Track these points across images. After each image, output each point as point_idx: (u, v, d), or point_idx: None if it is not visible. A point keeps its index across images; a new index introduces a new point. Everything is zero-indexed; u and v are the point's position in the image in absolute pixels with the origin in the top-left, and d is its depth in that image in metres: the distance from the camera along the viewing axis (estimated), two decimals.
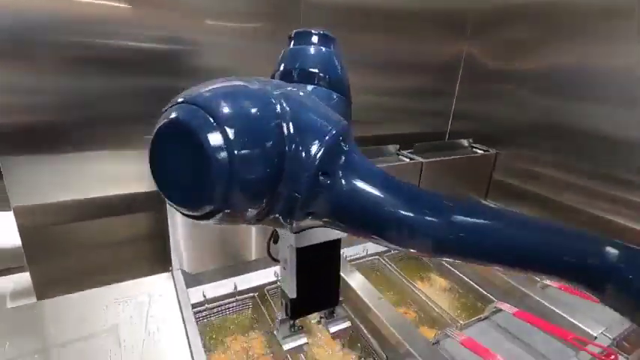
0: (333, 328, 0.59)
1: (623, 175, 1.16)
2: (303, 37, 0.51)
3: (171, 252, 0.99)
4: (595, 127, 1.21)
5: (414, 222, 0.38)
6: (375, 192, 0.39)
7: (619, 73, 1.15)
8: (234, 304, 1.06)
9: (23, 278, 1.05)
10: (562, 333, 0.87)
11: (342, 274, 1.05)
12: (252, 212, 0.37)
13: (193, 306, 0.91)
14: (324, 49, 0.50)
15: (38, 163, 0.88)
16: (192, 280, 1.01)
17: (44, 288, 0.99)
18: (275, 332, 0.58)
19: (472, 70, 1.58)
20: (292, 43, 0.51)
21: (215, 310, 1.03)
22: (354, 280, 1.03)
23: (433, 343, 0.88)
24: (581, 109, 1.24)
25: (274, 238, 0.55)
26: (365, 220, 0.39)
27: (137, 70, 0.93)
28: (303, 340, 0.58)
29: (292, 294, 0.52)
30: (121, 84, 0.92)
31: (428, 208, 0.39)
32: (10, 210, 0.93)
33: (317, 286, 0.54)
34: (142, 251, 1.11)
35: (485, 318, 1.02)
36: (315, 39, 0.50)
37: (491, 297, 1.09)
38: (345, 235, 0.48)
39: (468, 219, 0.38)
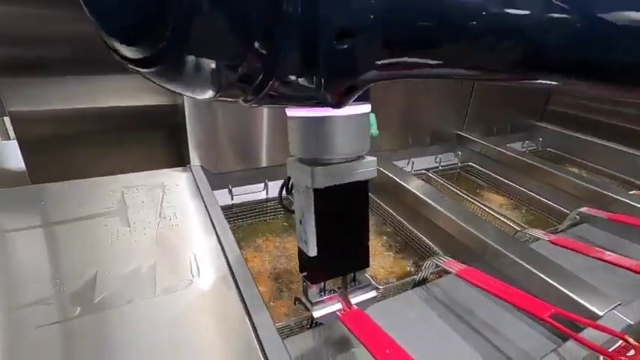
0: (357, 298, 0.49)
1: None
2: None
3: (190, 146, 0.83)
4: None
5: None
6: None
7: None
8: (263, 208, 0.90)
9: None
10: (535, 306, 0.49)
11: (395, 176, 0.90)
12: (229, 58, 0.21)
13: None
14: None
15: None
16: (215, 179, 0.85)
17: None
18: (302, 297, 0.48)
19: None
20: None
21: (242, 213, 0.88)
22: (411, 184, 0.86)
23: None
24: None
25: (288, 186, 0.49)
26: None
27: None
28: (336, 307, 0.48)
29: (312, 251, 0.43)
30: None
31: None
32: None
33: (342, 242, 0.45)
34: (153, 154, 0.96)
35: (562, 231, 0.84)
36: None
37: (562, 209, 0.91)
38: (375, 173, 0.41)
39: None
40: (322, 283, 0.47)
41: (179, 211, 0.66)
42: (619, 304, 0.51)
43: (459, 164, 1.18)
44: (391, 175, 0.90)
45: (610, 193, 0.87)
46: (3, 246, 0.54)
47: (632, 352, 0.40)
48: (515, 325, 0.56)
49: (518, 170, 1.07)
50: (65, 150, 0.83)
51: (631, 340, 0.40)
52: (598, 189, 0.89)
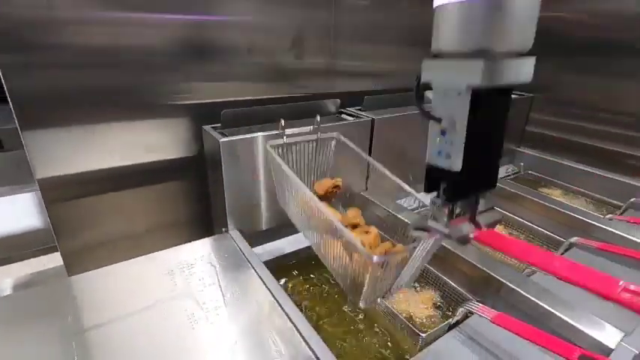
0: (485, 219, 0.44)
1: None
2: None
3: (227, 212, 0.89)
4: None
5: None
6: None
7: None
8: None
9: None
10: (562, 348, 0.57)
11: (404, 219, 1.01)
12: None
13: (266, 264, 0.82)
14: None
15: (61, 136, 0.80)
16: (252, 240, 0.92)
17: (75, 264, 0.89)
18: (430, 222, 0.44)
19: None
20: None
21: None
22: None
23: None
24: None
25: (417, 91, 0.41)
26: None
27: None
28: (468, 228, 0.44)
29: (456, 164, 0.38)
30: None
31: None
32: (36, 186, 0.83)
33: (484, 156, 0.41)
34: (178, 218, 1.03)
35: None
36: None
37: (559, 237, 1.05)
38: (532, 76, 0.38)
39: None
40: (451, 207, 0.43)
41: (238, 286, 0.73)
42: (625, 335, 0.63)
43: None
44: (403, 218, 1.00)
45: (591, 221, 1.02)
46: (87, 346, 0.59)
47: None
48: (541, 358, 0.67)
49: (508, 199, 1.21)
50: (91, 209, 0.89)
51: None
52: (581, 217, 1.04)
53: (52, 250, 1.32)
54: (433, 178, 0.42)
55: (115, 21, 0.78)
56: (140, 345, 0.59)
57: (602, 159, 1.36)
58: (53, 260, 1.24)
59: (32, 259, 1.27)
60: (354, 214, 0.80)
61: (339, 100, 1.10)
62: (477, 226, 0.45)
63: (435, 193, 0.43)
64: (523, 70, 0.37)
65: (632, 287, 0.43)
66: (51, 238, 0.91)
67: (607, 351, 0.61)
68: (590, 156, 1.39)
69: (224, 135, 0.86)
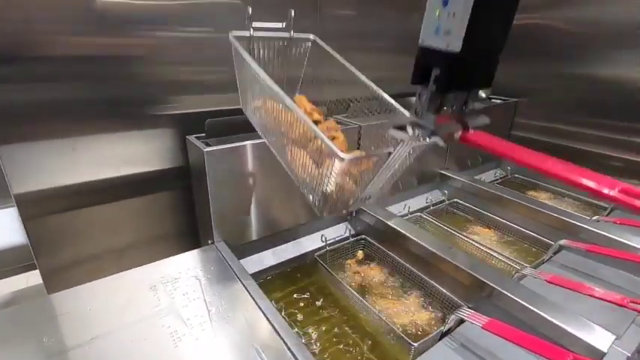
0: (473, 122, 0.41)
1: None
2: None
3: (213, 224, 0.87)
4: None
5: None
6: None
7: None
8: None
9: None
10: (555, 353, 0.56)
11: (397, 227, 0.99)
12: None
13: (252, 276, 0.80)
14: None
15: (38, 151, 0.77)
16: (238, 251, 0.90)
17: (55, 281, 0.86)
18: (411, 127, 0.40)
19: None
20: None
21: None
22: (415, 234, 0.95)
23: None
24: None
25: None
26: None
27: None
28: (455, 127, 0.40)
29: (455, 44, 0.34)
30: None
31: None
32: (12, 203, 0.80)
33: (488, 39, 0.36)
34: (163, 231, 1.00)
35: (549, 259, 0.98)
36: None
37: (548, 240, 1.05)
38: None
39: None
40: (440, 100, 0.39)
41: (224, 300, 0.71)
42: (616, 339, 0.63)
43: (447, 201, 1.31)
44: (394, 226, 0.99)
45: (579, 223, 1.02)
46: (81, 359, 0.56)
47: None
48: None
49: (497, 203, 1.21)
50: (71, 224, 0.86)
51: None
52: (568, 219, 1.05)
53: (30, 267, 1.27)
54: (424, 65, 0.37)
55: (96, 33, 0.76)
56: None
57: (586, 161, 1.38)
58: (32, 278, 1.20)
59: (10, 278, 1.22)
60: (329, 125, 0.73)
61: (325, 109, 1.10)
62: (465, 126, 0.41)
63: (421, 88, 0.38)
64: None
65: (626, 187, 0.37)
66: (29, 256, 0.88)
67: (599, 354, 0.61)
68: (574, 158, 1.40)
69: (208, 145, 0.84)
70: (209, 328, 0.64)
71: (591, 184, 0.37)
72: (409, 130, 0.41)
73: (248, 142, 0.85)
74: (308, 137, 0.60)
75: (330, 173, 0.55)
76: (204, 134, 0.91)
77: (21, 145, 0.75)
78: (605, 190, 0.37)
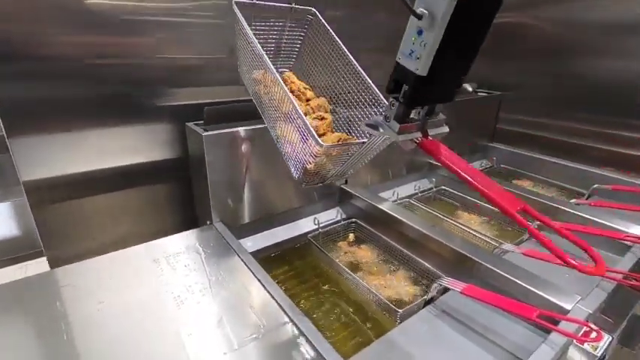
0: (433, 131, 0.48)
1: None
2: None
3: (211, 205, 0.93)
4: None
5: None
6: None
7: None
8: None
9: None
10: (524, 310, 0.63)
11: (387, 210, 1.05)
12: None
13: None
14: None
15: (45, 142, 0.82)
16: (235, 232, 0.95)
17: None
18: (381, 127, 0.47)
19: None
20: None
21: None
22: (403, 215, 1.01)
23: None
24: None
25: None
26: None
27: None
28: (416, 135, 0.47)
29: (423, 69, 0.39)
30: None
31: None
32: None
33: (451, 66, 0.41)
34: (164, 220, 1.06)
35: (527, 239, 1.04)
36: None
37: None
38: None
39: None
40: (405, 111, 0.44)
41: (223, 270, 0.76)
42: (580, 299, 0.69)
43: (434, 188, 1.37)
44: (384, 209, 1.05)
45: (557, 205, 1.09)
46: (87, 326, 0.61)
47: (594, 335, 0.57)
48: (509, 325, 0.72)
49: None
50: (77, 212, 0.91)
51: (593, 326, 0.57)
52: (547, 202, 1.11)
53: (37, 255, 1.32)
54: (397, 79, 0.42)
55: (97, 32, 0.82)
56: (127, 324, 0.61)
57: (567, 151, 1.45)
58: (39, 266, 1.25)
59: (17, 265, 1.26)
60: (320, 102, 0.80)
61: None
62: (425, 134, 0.47)
63: (395, 95, 0.44)
64: None
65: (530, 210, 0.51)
66: (37, 243, 0.92)
67: (565, 312, 0.67)
68: (556, 149, 1.48)
69: (207, 131, 0.90)
70: (209, 294, 0.69)
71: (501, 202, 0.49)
72: (380, 128, 0.47)
73: (245, 128, 0.90)
74: (296, 114, 0.66)
75: (311, 154, 0.62)
76: (202, 122, 0.96)
77: (30, 138, 0.80)
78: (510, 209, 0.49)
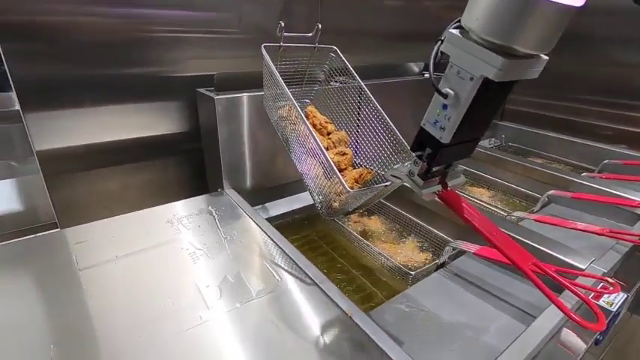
0: (452, 182, 0.54)
1: None
2: None
3: (223, 172, 0.92)
4: None
5: None
6: None
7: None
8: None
9: None
10: (538, 267, 0.58)
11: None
12: None
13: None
14: None
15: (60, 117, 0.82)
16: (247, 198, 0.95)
17: None
18: (407, 182, 0.51)
19: None
20: None
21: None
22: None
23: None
24: None
25: (435, 61, 0.42)
26: None
27: None
28: (436, 187, 0.52)
29: (446, 138, 0.43)
30: None
31: None
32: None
33: (471, 134, 0.46)
34: (174, 192, 1.06)
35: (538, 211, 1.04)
36: None
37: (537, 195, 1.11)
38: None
39: None
40: (428, 169, 0.48)
41: (236, 230, 0.76)
42: (594, 259, 0.69)
43: None
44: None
45: (568, 177, 1.08)
46: (104, 276, 0.62)
47: (611, 288, 0.57)
48: (522, 287, 0.73)
49: (492, 164, 1.27)
50: (89, 183, 0.91)
51: (610, 280, 0.57)
52: (558, 174, 1.11)
53: (52, 226, 1.32)
54: (421, 141, 0.47)
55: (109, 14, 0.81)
56: (144, 278, 0.62)
57: (576, 130, 1.45)
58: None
59: (32, 235, 1.27)
60: (340, 136, 0.83)
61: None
62: (444, 187, 0.52)
63: (418, 153, 0.48)
64: (535, 69, 0.39)
65: (541, 265, 0.54)
66: (50, 215, 0.93)
67: (579, 270, 0.67)
68: (565, 128, 1.47)
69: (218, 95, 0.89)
70: (225, 251, 0.70)
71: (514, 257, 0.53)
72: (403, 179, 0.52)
73: (256, 92, 0.90)
74: (320, 152, 0.68)
75: (336, 192, 0.66)
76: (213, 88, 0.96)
77: (44, 114, 0.80)
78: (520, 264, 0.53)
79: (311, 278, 0.62)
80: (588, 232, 0.76)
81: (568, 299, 0.60)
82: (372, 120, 0.79)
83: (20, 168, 1.18)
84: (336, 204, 0.67)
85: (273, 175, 1.02)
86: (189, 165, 1.05)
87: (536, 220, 0.86)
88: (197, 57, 0.97)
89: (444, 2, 1.42)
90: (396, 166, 0.54)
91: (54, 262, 0.65)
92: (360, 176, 0.74)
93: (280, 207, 1.04)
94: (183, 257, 0.67)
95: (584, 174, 1.15)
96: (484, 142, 1.58)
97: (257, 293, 0.59)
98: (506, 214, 1.00)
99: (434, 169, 0.49)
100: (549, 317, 0.58)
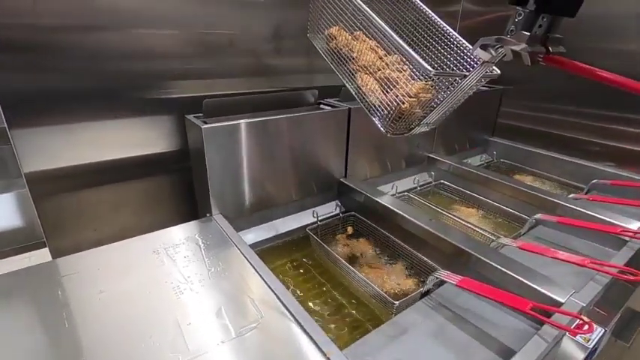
0: (554, 49, 0.51)
1: None
2: None
3: (211, 198, 0.93)
4: None
5: None
6: None
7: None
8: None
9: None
10: (517, 302, 0.64)
11: (386, 204, 1.06)
12: None
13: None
14: None
15: (47, 134, 0.83)
16: (235, 224, 0.96)
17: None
18: (503, 43, 0.47)
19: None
20: None
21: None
22: (402, 209, 1.02)
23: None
24: None
25: None
26: None
27: None
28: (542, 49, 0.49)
29: None
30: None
31: None
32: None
33: None
34: (166, 212, 1.07)
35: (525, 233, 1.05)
36: None
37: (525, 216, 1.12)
38: None
39: None
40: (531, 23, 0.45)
41: (222, 261, 0.77)
42: (574, 292, 0.70)
43: (433, 182, 1.37)
44: (383, 203, 1.06)
45: (555, 200, 1.09)
46: (86, 313, 0.62)
47: (586, 327, 0.58)
48: (503, 317, 0.73)
49: (481, 184, 1.28)
50: (78, 203, 0.92)
51: (585, 318, 0.58)
52: (546, 197, 1.12)
53: (40, 245, 1.33)
54: None
55: (100, 26, 0.82)
56: (127, 313, 0.63)
57: (567, 146, 1.45)
58: (42, 256, 1.25)
59: (21, 255, 1.28)
60: (393, 59, 0.77)
61: (316, 91, 1.16)
62: (547, 50, 0.48)
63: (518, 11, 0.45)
64: None
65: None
66: (39, 234, 0.94)
67: (558, 305, 0.67)
68: (556, 144, 1.48)
69: (206, 123, 0.90)
70: (208, 284, 0.70)
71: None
72: (492, 51, 0.49)
73: (244, 121, 0.91)
74: (377, 66, 0.67)
75: (406, 93, 0.62)
76: (202, 114, 0.97)
77: (32, 130, 0.81)
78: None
79: (292, 314, 0.63)
80: (569, 262, 0.77)
81: (546, 337, 0.61)
82: (430, 35, 0.75)
83: (8, 188, 1.19)
84: (406, 105, 0.63)
85: (261, 199, 1.03)
86: (180, 183, 1.07)
87: (520, 248, 0.86)
88: (188, 76, 0.98)
89: None
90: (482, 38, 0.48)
91: (39, 297, 0.66)
92: (422, 88, 0.67)
93: (269, 230, 1.05)
94: (167, 291, 0.68)
95: (571, 195, 1.16)
96: (475, 160, 1.59)
97: (238, 332, 0.60)
98: (494, 239, 1.00)
99: (538, 25, 0.45)
100: (529, 354, 0.59)
